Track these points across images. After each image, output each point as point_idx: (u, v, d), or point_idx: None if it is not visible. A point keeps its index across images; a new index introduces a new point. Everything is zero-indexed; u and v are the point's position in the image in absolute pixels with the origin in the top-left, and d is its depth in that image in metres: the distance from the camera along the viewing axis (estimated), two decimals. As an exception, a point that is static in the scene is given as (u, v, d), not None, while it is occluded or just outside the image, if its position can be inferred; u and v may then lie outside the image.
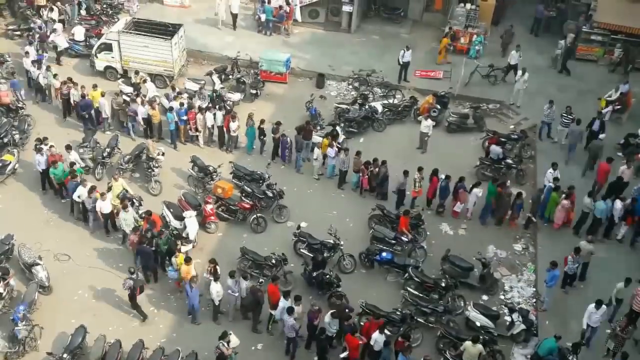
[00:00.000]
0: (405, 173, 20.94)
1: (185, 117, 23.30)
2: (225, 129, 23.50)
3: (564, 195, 20.27)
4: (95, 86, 24.12)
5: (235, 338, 16.02)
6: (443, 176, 21.15)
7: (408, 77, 27.78)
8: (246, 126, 23.32)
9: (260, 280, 17.58)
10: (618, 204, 19.92)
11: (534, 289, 19.12)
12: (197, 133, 23.63)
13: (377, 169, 21.54)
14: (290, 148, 23.03)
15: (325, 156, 22.51)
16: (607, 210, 20.02)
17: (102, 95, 23.79)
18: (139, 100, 23.56)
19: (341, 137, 23.39)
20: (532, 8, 31.49)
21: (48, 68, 25.28)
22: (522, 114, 26.18)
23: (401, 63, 27.51)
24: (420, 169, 21.02)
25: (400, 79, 27.65)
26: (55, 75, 24.80)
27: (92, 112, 23.91)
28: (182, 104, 23.43)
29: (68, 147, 21.44)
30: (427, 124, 23.67)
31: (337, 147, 22.23)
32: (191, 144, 23.92)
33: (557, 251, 19.92)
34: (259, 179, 21.49)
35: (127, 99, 23.90)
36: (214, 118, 23.40)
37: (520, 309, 17.75)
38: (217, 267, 17.85)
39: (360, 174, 21.65)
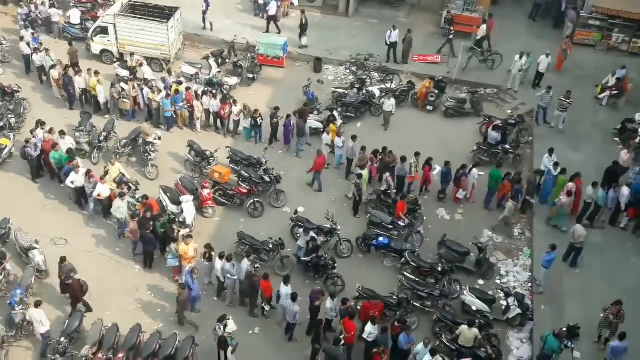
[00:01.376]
0: (403, 159, 20.91)
1: (181, 104, 23.26)
2: (219, 116, 23.40)
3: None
4: (91, 71, 23.88)
5: (233, 324, 16.07)
6: (437, 167, 21.11)
7: (408, 60, 27.73)
8: (242, 116, 23.17)
9: (257, 265, 17.62)
10: (625, 190, 19.85)
11: (530, 274, 19.21)
12: (196, 118, 23.61)
13: (386, 158, 21.40)
14: (293, 131, 22.90)
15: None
16: (607, 197, 19.92)
17: (99, 82, 23.62)
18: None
19: (339, 122, 23.31)
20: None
21: (47, 52, 25.02)
22: (519, 99, 26.14)
23: (388, 43, 27.43)
24: (417, 154, 20.99)
25: (389, 59, 27.59)
26: (53, 66, 24.45)
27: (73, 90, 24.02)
28: (177, 91, 23.34)
29: (62, 133, 21.32)
30: (390, 103, 24.00)
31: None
32: (188, 129, 23.85)
33: (553, 236, 20.04)
34: (256, 164, 21.45)
35: (125, 87, 23.68)
36: (210, 102, 23.31)
37: (516, 294, 17.84)
38: (213, 252, 17.89)
39: (369, 163, 21.40)
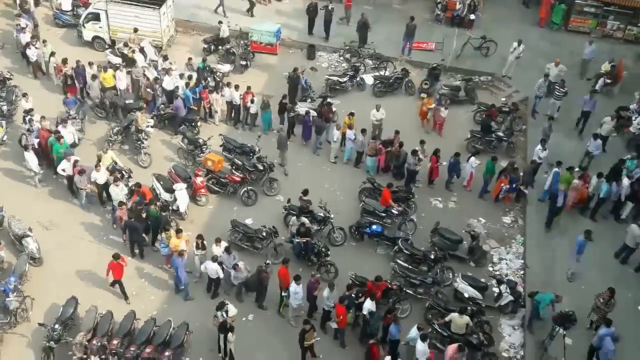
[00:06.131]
0: (414, 152, 20.83)
1: (197, 96, 23.14)
2: (243, 105, 23.23)
3: (577, 176, 20.25)
4: (105, 69, 23.81)
5: (234, 307, 16.17)
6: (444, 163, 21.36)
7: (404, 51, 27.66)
8: (262, 108, 23.02)
9: (267, 262, 17.56)
10: (626, 181, 19.91)
11: (522, 261, 19.34)
12: (214, 112, 23.48)
13: (395, 149, 21.44)
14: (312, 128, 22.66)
15: (344, 138, 22.14)
16: (611, 190, 19.94)
17: (118, 69, 23.57)
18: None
19: (333, 109, 23.22)
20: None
21: (45, 43, 24.73)
22: (513, 87, 26.14)
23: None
24: (422, 142, 21.17)
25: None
26: (53, 54, 24.34)
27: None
28: (197, 83, 23.17)
29: (64, 121, 21.21)
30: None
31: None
32: (203, 122, 23.63)
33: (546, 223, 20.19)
34: (250, 152, 21.42)
35: (150, 75, 23.51)
36: (231, 94, 23.10)
37: (508, 281, 17.94)
38: (205, 241, 17.90)
39: (378, 153, 21.50)
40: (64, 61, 23.90)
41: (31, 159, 20.05)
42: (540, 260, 19.16)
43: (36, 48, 24.56)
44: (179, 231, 17.70)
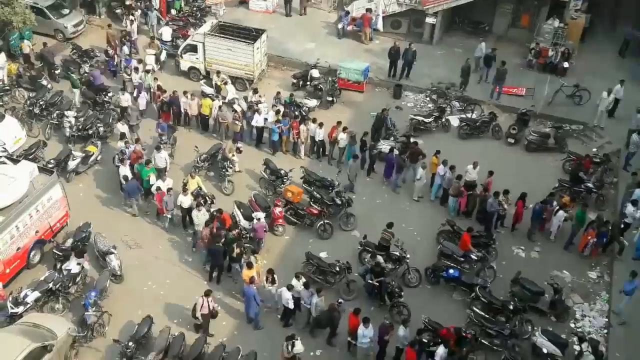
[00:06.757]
0: (496, 194, 20.35)
1: (285, 128, 23.55)
2: (329, 139, 23.51)
3: None
4: (205, 95, 24.90)
5: (300, 345, 15.98)
6: (531, 204, 20.71)
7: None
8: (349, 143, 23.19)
9: (340, 300, 17.39)
10: None
11: (607, 320, 18.25)
12: (300, 144, 23.83)
13: (481, 192, 21.09)
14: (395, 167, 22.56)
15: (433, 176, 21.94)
16: None
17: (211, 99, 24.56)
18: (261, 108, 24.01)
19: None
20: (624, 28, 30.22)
21: (148, 71, 26.04)
22: (606, 138, 25.13)
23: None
24: (506, 192, 20.55)
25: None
26: (155, 79, 25.78)
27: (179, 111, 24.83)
28: (284, 115, 23.70)
29: (157, 148, 22.13)
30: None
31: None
32: (291, 154, 24.10)
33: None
34: (329, 186, 21.53)
35: (238, 108, 24.24)
36: (315, 130, 23.37)
37: (590, 339, 16.96)
38: (275, 276, 18.00)
39: (460, 195, 21.17)
40: (159, 88, 25.10)
41: (126, 172, 20.89)
42: (626, 320, 18.03)
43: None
44: (249, 265, 17.82)
